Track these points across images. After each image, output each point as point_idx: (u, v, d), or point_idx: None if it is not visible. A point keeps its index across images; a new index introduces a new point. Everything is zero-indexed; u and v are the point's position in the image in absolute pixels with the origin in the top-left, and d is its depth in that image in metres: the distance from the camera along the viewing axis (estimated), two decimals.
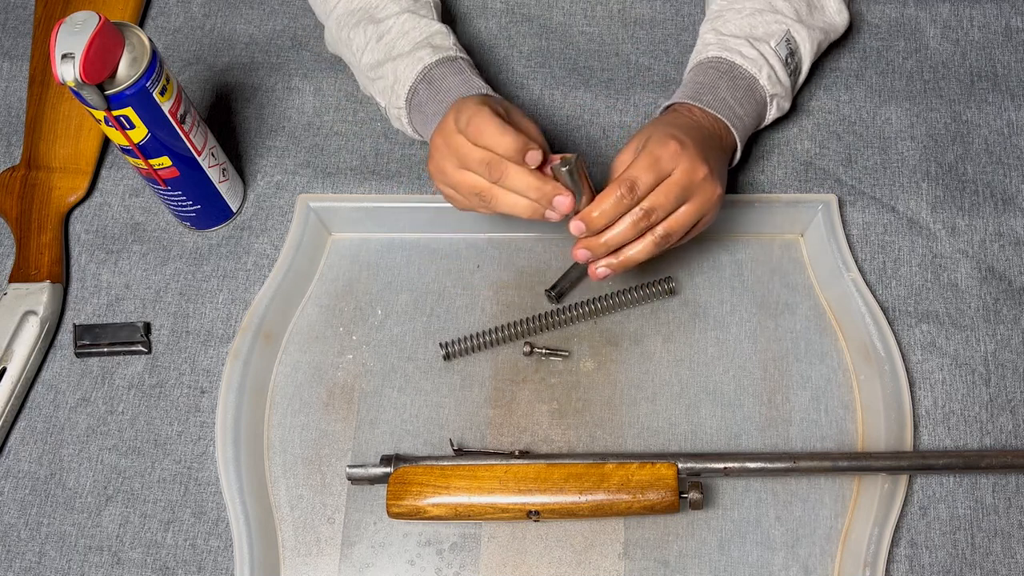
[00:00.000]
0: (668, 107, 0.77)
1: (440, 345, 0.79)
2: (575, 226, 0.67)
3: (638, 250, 0.68)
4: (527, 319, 0.79)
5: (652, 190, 0.66)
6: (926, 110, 0.87)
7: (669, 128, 0.69)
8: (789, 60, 0.79)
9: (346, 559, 0.73)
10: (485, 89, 0.75)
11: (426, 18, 0.80)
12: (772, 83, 0.78)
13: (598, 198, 0.66)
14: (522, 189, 0.65)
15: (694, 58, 0.81)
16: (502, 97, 0.74)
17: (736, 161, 0.78)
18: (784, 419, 0.76)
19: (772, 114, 0.80)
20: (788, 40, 0.79)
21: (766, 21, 0.79)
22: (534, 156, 0.64)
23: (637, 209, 0.66)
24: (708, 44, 0.79)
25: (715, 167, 0.69)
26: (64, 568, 0.73)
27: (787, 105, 0.82)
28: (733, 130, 0.75)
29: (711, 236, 0.81)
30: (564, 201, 0.65)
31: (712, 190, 0.68)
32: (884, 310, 0.77)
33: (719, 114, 0.74)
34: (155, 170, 0.76)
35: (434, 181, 0.70)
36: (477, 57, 0.92)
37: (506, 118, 0.66)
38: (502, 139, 0.64)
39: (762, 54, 0.77)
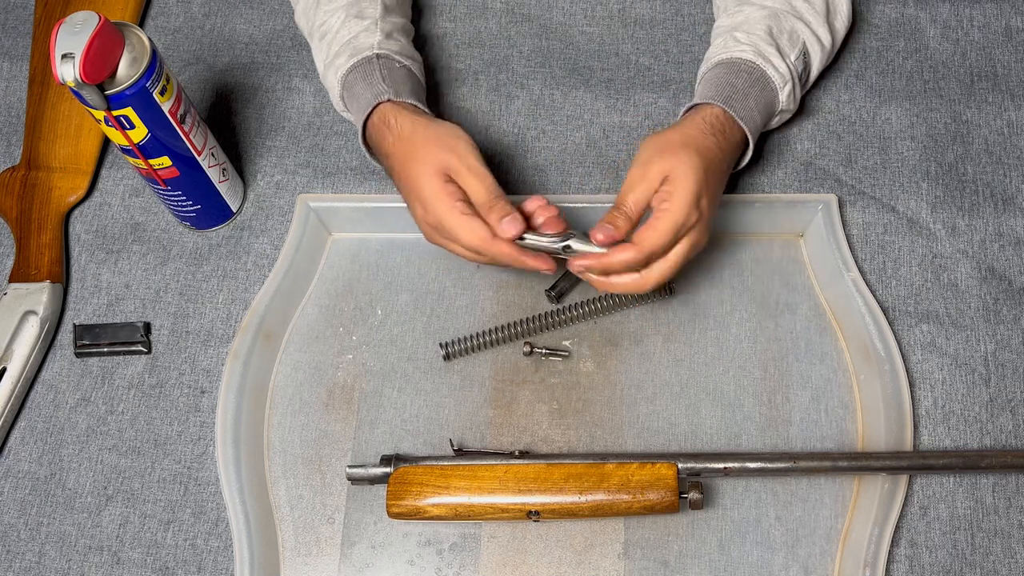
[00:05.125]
0: (693, 106, 0.75)
1: (440, 345, 0.79)
2: (577, 267, 0.70)
3: (622, 283, 0.70)
4: (527, 319, 0.79)
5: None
6: (926, 110, 0.87)
7: (696, 183, 0.67)
8: (802, 76, 0.80)
9: (346, 559, 0.73)
10: (387, 94, 0.74)
11: (356, 17, 0.79)
12: (788, 100, 0.79)
13: (614, 252, 0.67)
14: (506, 263, 0.70)
15: (721, 53, 0.78)
16: (424, 111, 0.75)
17: (742, 166, 0.78)
18: (784, 419, 0.76)
19: (771, 125, 0.81)
20: (805, 54, 0.80)
21: (789, 29, 0.79)
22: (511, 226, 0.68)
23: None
24: (740, 43, 0.77)
25: (715, 211, 0.71)
26: (64, 568, 0.73)
27: (787, 117, 0.82)
28: (751, 142, 0.75)
29: (711, 236, 0.81)
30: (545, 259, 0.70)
31: (705, 239, 0.71)
32: (884, 310, 0.77)
33: (745, 126, 0.74)
34: (155, 170, 0.76)
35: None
36: (477, 57, 0.92)
37: (459, 178, 0.69)
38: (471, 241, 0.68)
39: (789, 69, 0.78)
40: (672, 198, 0.67)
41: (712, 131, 0.72)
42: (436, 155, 0.69)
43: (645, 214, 0.69)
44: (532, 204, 0.71)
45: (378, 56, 0.77)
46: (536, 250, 0.70)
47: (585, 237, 0.69)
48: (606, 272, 0.68)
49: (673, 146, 0.69)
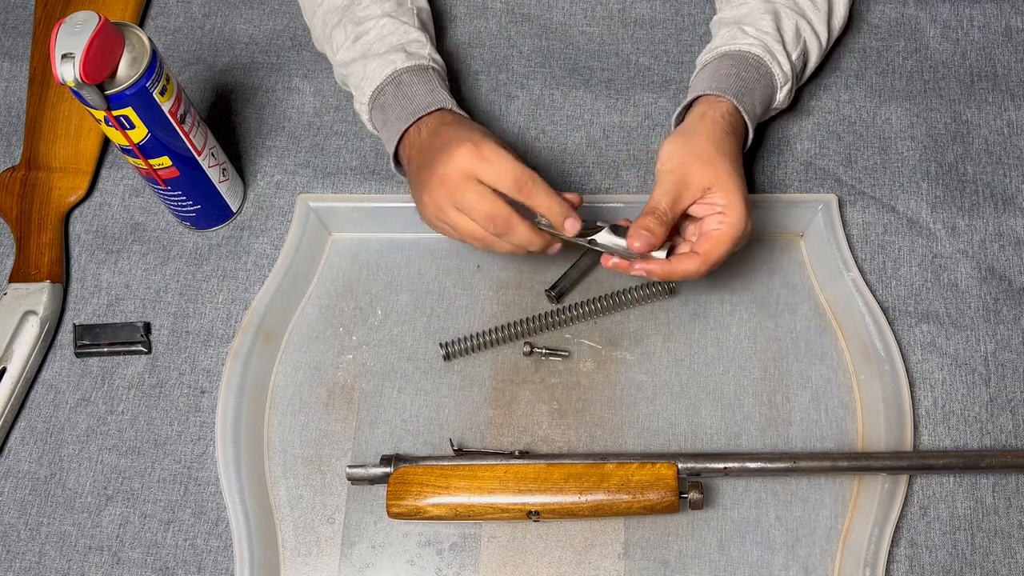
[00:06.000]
0: (697, 98, 0.75)
1: (440, 345, 0.79)
2: (637, 270, 0.70)
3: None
4: (527, 319, 0.79)
5: None
6: (926, 110, 0.87)
7: (744, 194, 0.69)
8: (799, 76, 0.81)
9: (346, 559, 0.73)
10: (450, 103, 0.75)
11: (406, 24, 0.80)
12: (784, 98, 0.79)
13: (679, 262, 0.69)
14: (524, 243, 0.68)
15: (729, 44, 0.77)
16: (475, 121, 0.75)
17: None
18: (784, 419, 0.76)
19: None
20: (804, 53, 0.80)
21: (793, 28, 0.79)
22: (573, 224, 0.68)
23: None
24: (748, 36, 0.77)
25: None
26: (64, 568, 0.73)
27: (770, 115, 0.82)
28: (750, 136, 0.76)
29: None
30: (575, 225, 0.68)
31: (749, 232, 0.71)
32: (884, 310, 0.77)
33: (749, 121, 0.74)
34: (155, 170, 0.76)
35: (425, 217, 0.71)
36: (477, 57, 0.92)
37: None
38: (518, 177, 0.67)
39: (791, 68, 0.78)
40: (730, 213, 0.69)
41: (732, 130, 0.73)
42: (494, 138, 0.70)
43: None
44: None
45: (433, 68, 0.78)
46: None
47: (611, 229, 0.70)
48: (668, 278, 0.71)
49: (708, 154, 0.70)
